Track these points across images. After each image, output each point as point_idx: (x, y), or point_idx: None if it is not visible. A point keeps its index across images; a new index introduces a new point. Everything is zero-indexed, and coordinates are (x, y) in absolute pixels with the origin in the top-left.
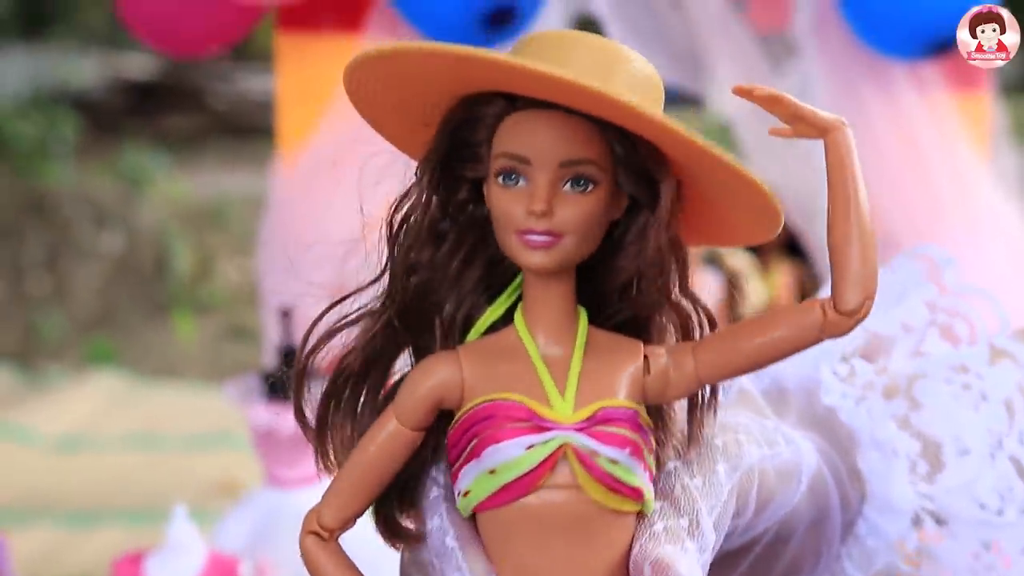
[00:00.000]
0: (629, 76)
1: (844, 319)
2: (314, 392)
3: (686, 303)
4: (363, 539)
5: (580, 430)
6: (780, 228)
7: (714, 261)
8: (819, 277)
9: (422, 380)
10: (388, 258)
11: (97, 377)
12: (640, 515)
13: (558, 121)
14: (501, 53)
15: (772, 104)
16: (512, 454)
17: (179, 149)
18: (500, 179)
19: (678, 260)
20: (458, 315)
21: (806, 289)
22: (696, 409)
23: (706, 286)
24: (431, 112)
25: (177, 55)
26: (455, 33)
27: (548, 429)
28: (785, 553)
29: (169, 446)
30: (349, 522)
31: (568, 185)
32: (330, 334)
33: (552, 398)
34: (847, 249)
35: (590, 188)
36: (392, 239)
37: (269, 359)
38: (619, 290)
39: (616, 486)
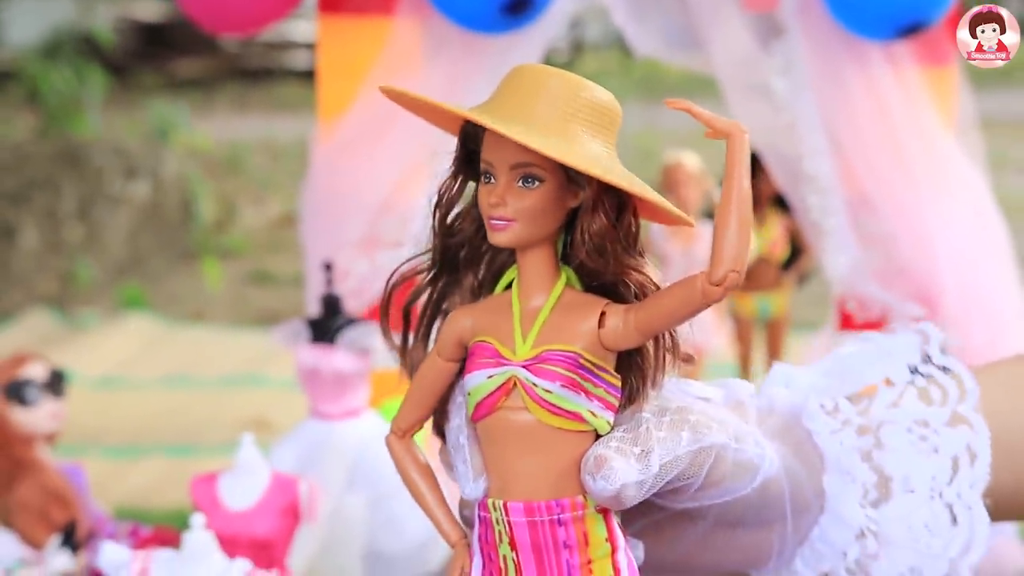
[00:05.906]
0: (588, 108)
1: (714, 288)
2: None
3: (640, 275)
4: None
5: (524, 366)
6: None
7: (712, 215)
8: (806, 232)
9: (449, 327)
10: (436, 228)
11: (130, 321)
12: (598, 436)
13: None
14: (474, 109)
15: (689, 112)
16: (477, 381)
17: (191, 93)
18: (483, 178)
19: (618, 241)
20: (488, 273)
21: (796, 241)
22: (659, 352)
23: (704, 237)
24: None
25: (225, 33)
26: (477, 18)
27: (504, 364)
28: (734, 539)
29: (201, 385)
30: (415, 426)
31: (520, 182)
32: (399, 282)
33: (516, 342)
34: (724, 232)
35: (536, 184)
36: (436, 215)
37: (312, 307)
38: (586, 261)
39: (554, 409)
